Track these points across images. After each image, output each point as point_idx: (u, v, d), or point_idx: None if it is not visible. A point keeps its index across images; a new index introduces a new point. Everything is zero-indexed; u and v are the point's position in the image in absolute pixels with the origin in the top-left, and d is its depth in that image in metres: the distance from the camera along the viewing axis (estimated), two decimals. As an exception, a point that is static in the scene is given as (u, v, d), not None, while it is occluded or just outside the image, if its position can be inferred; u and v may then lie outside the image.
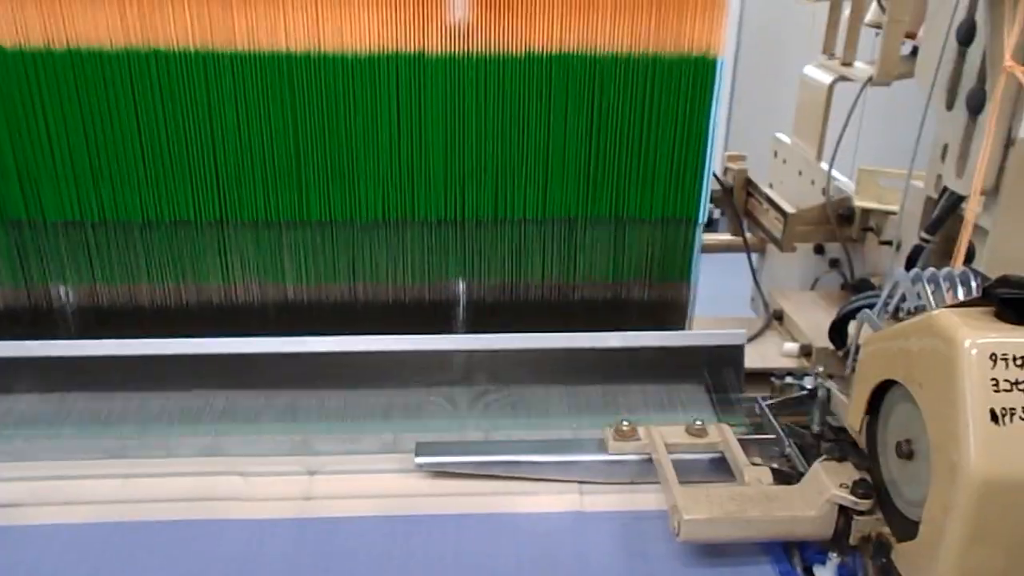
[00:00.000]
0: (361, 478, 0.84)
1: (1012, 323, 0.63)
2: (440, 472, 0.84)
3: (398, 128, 0.91)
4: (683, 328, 1.02)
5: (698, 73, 0.90)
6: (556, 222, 0.96)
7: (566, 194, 0.95)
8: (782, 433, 0.85)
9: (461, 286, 0.99)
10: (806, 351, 1.04)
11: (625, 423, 0.85)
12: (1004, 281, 0.65)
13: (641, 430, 0.84)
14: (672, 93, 0.91)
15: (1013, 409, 0.60)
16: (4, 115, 0.87)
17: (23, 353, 0.91)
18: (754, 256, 1.29)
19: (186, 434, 0.88)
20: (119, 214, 0.92)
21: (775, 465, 0.82)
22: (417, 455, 0.83)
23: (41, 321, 0.97)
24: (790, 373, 0.95)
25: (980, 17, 0.84)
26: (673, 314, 1.01)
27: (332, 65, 0.88)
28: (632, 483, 0.84)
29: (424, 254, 0.97)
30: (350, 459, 0.86)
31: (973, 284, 0.73)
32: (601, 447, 0.84)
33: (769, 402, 0.91)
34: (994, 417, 0.60)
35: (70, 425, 0.89)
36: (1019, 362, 0.61)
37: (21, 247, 0.94)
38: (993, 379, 0.60)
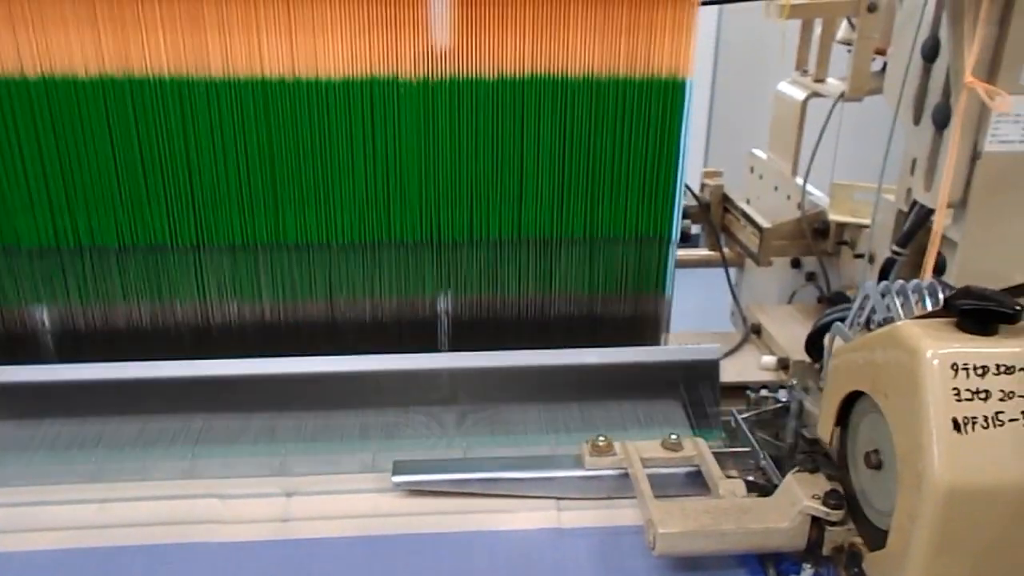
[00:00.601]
0: (339, 499, 0.84)
1: (973, 333, 0.64)
2: (418, 491, 0.84)
3: (373, 151, 0.92)
4: (658, 343, 1.02)
5: (667, 95, 0.92)
6: (531, 242, 0.97)
7: (540, 214, 0.96)
8: (756, 446, 0.86)
9: (440, 304, 1.00)
10: (784, 364, 1.05)
11: (601, 438, 0.85)
12: (966, 292, 0.66)
13: (617, 445, 0.85)
14: (642, 114, 0.93)
15: (975, 418, 0.61)
16: None
17: (-3, 379, 0.91)
18: (732, 271, 1.30)
19: (163, 457, 0.88)
20: (95, 239, 0.93)
21: (750, 477, 0.83)
22: (394, 474, 0.84)
23: (16, 345, 0.97)
24: (765, 386, 0.96)
25: (943, 34, 0.86)
26: (648, 330, 1.02)
27: (307, 90, 0.89)
28: (609, 498, 0.84)
29: (401, 273, 0.98)
30: (328, 479, 0.86)
31: (941, 296, 0.74)
32: (578, 463, 0.85)
33: (744, 415, 0.92)
34: (957, 426, 0.61)
35: (45, 450, 0.89)
36: (980, 372, 0.62)
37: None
38: (955, 389, 0.61)
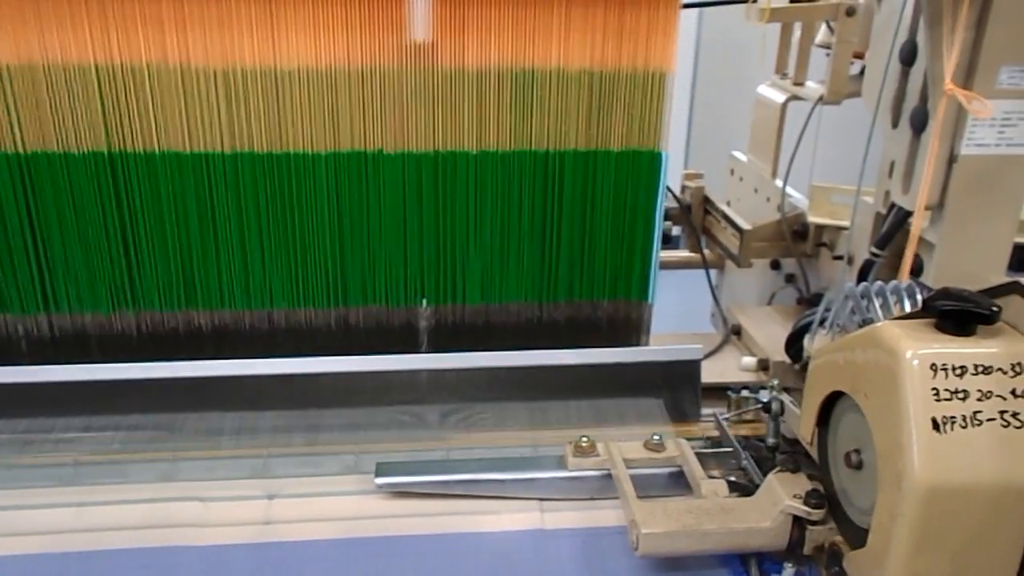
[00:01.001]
0: (321, 500, 0.83)
1: (952, 334, 0.65)
2: (401, 492, 0.84)
3: (350, 224, 0.93)
4: (640, 344, 1.03)
5: (652, 89, 0.92)
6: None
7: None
8: (738, 446, 0.87)
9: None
10: (764, 365, 1.05)
11: (584, 439, 0.85)
12: (945, 293, 0.67)
13: (600, 446, 0.85)
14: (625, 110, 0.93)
15: (954, 417, 0.61)
16: None
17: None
18: (713, 272, 1.31)
19: (142, 460, 0.87)
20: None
21: (732, 478, 0.83)
22: (377, 475, 0.83)
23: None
24: (746, 387, 0.96)
25: (921, 38, 0.87)
26: (630, 331, 1.02)
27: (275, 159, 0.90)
28: (592, 499, 0.84)
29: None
30: (310, 481, 0.86)
31: (919, 297, 0.75)
32: (561, 464, 0.85)
33: (725, 416, 0.93)
34: (936, 426, 0.61)
35: (20, 453, 0.88)
36: (958, 372, 0.62)
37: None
38: (934, 389, 0.62)
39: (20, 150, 0.87)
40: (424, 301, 0.98)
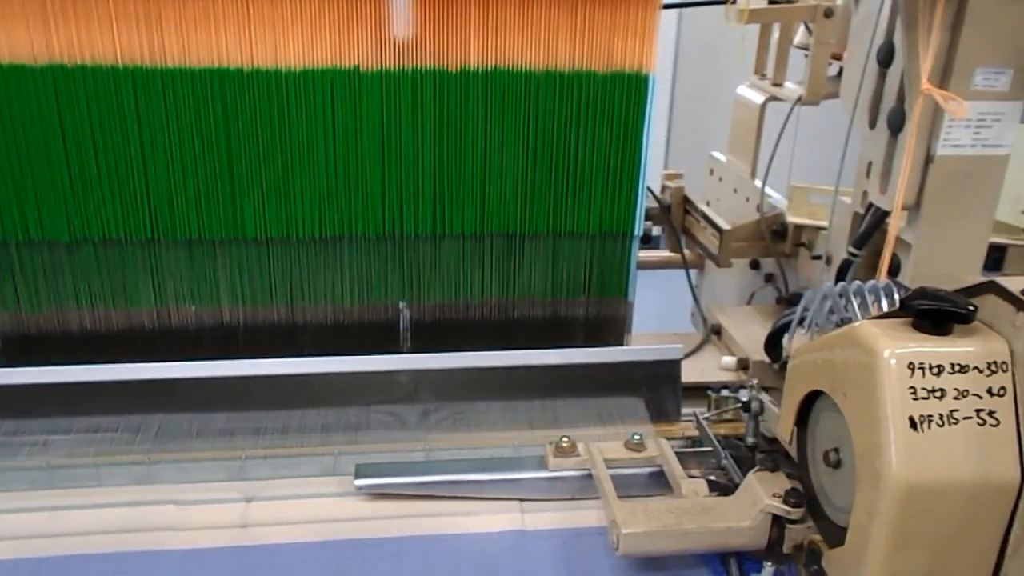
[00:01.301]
0: (300, 503, 0.83)
1: (929, 333, 0.65)
2: (380, 494, 0.83)
3: (334, 144, 0.91)
4: (622, 344, 1.03)
5: (631, 89, 0.92)
6: (495, 237, 0.97)
7: (504, 209, 0.96)
8: (718, 445, 0.87)
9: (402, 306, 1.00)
10: (743, 364, 1.06)
11: (565, 439, 0.85)
12: (921, 293, 0.67)
13: (580, 446, 0.85)
14: (606, 108, 0.93)
15: (931, 416, 0.62)
16: None
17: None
18: (693, 272, 1.31)
19: (116, 462, 0.86)
20: (44, 233, 0.91)
21: (712, 477, 0.83)
22: (357, 477, 0.83)
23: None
24: (726, 386, 0.97)
25: (898, 40, 0.87)
26: (612, 330, 1.02)
27: (266, 80, 0.88)
28: (573, 499, 0.84)
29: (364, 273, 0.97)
30: (288, 483, 0.85)
31: (896, 296, 0.75)
32: (541, 464, 0.85)
33: (705, 415, 0.93)
34: (913, 424, 0.62)
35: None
36: (935, 371, 0.63)
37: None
38: (912, 387, 0.62)
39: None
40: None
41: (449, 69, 0.90)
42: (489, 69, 0.90)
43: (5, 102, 0.85)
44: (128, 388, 0.88)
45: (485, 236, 0.96)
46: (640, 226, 0.98)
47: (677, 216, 1.25)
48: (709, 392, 0.97)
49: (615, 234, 0.98)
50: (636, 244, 0.99)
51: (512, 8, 0.89)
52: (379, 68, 0.89)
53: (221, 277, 0.95)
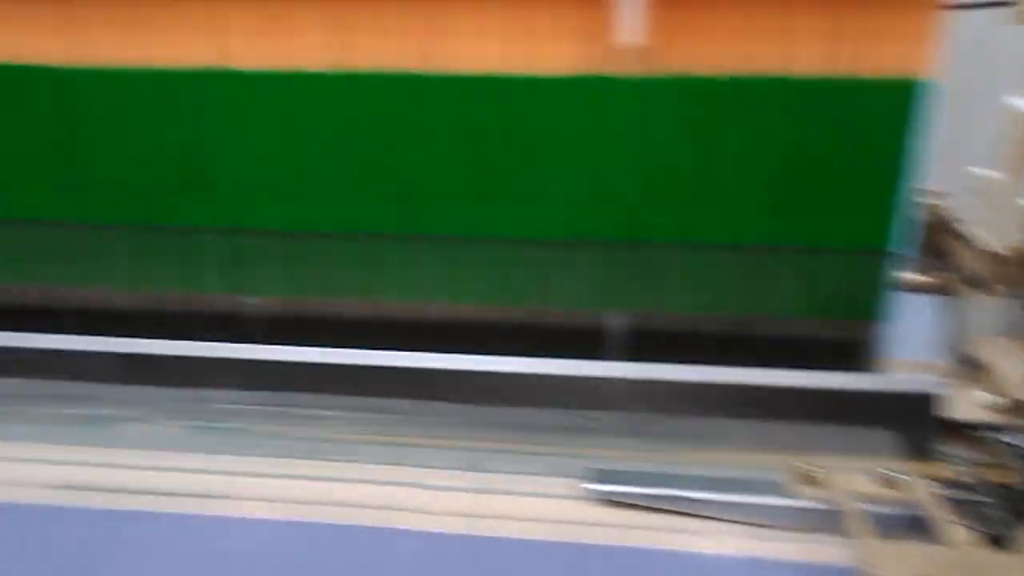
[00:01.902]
0: (531, 500, 0.84)
1: None
2: (609, 501, 0.83)
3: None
4: (868, 370, 0.96)
5: (898, 97, 0.86)
6: (743, 249, 0.94)
7: (758, 219, 0.92)
8: (985, 491, 0.79)
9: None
10: (1007, 403, 0.95)
11: (807, 466, 0.81)
12: None
13: (827, 476, 0.80)
14: (868, 117, 0.88)
15: None
16: None
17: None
18: (950, 299, 1.20)
19: (371, 443, 0.92)
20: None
21: (974, 526, 0.76)
22: (591, 481, 0.83)
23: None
24: (990, 426, 0.88)
25: None
26: (859, 355, 0.96)
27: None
28: (812, 531, 0.79)
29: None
30: (521, 480, 0.87)
31: None
32: (781, 490, 0.81)
33: (968, 457, 0.85)
34: None
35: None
36: None
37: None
38: None
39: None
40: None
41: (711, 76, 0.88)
42: (745, 77, 0.88)
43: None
44: (395, 375, 0.93)
45: (732, 248, 0.93)
46: (902, 244, 0.91)
47: (936, 236, 1.16)
48: (969, 431, 0.88)
49: (871, 251, 0.92)
50: (894, 264, 0.93)
51: (774, 10, 0.86)
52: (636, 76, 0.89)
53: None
